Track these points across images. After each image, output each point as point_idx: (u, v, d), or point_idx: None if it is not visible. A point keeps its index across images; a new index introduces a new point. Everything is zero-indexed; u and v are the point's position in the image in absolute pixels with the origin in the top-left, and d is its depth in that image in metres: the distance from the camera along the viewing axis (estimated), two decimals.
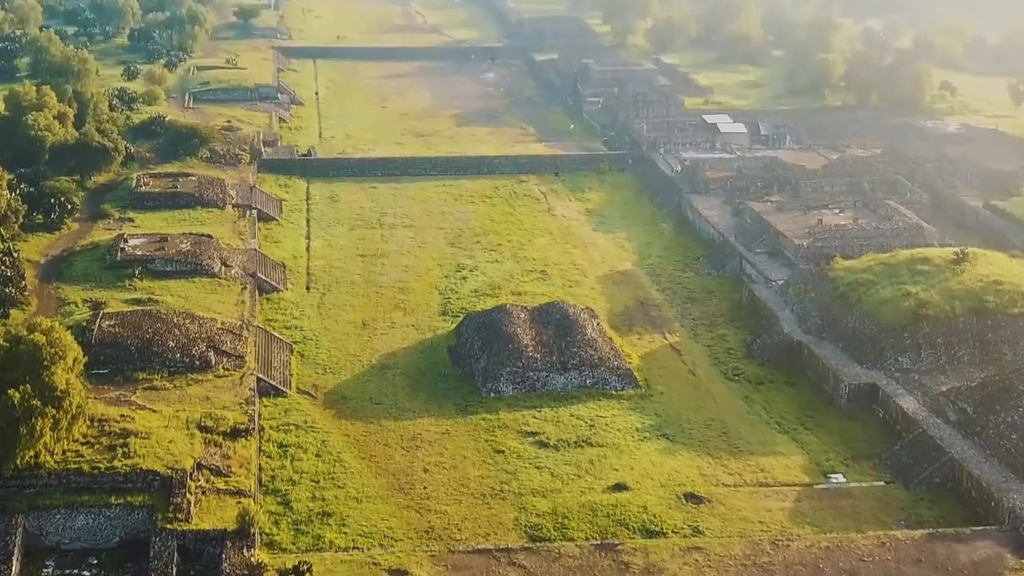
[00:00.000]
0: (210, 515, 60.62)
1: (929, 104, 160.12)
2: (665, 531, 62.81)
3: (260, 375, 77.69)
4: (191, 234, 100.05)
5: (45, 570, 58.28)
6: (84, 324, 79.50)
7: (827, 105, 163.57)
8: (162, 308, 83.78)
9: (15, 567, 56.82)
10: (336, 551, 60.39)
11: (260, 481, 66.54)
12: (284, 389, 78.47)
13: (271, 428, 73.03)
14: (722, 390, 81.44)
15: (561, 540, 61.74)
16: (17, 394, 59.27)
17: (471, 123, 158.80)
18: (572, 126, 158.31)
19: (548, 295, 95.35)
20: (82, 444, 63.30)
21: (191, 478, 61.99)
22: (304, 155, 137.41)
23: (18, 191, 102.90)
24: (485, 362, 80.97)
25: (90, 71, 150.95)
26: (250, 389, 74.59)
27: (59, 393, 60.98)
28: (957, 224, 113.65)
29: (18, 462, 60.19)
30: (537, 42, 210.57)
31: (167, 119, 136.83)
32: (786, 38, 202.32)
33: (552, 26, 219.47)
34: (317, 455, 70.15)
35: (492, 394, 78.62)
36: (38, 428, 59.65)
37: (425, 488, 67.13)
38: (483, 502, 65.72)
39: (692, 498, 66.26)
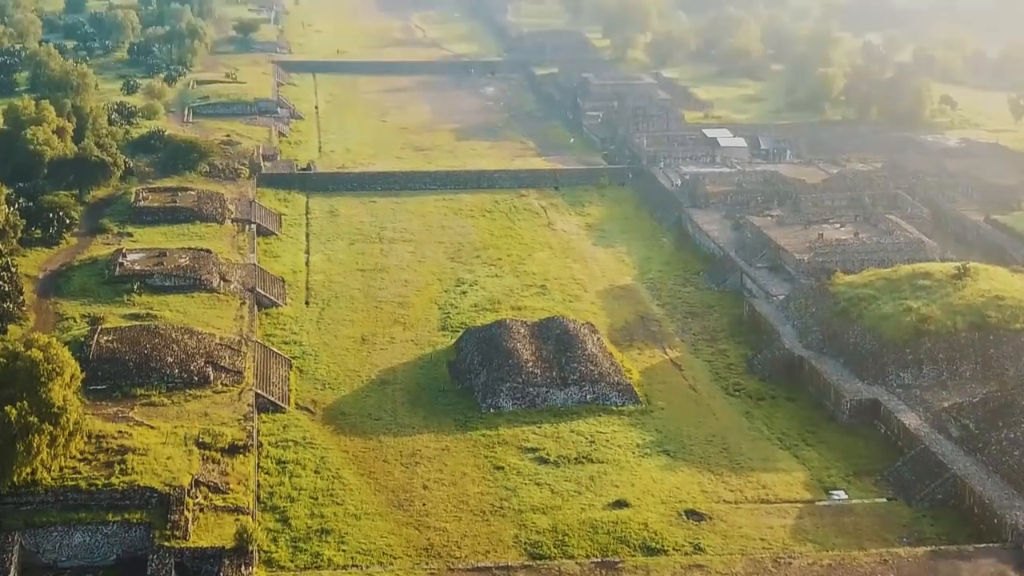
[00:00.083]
0: (208, 532, 60.32)
1: (929, 118, 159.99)
2: (666, 548, 62.45)
3: (259, 391, 77.40)
4: (190, 249, 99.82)
5: None
6: (82, 339, 79.24)
7: (827, 119, 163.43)
8: (160, 323, 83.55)
9: None
10: (335, 569, 60.06)
11: (258, 498, 66.24)
12: (283, 405, 78.17)
13: (270, 444, 72.73)
14: (723, 406, 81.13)
15: (561, 558, 61.38)
16: (14, 410, 59.10)
17: (471, 137, 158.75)
18: (572, 140, 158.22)
19: (548, 310, 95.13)
20: (79, 461, 63.07)
21: (189, 495, 61.73)
22: (304, 169, 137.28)
23: (16, 205, 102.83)
24: (485, 377, 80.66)
25: (89, 85, 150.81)
26: (248, 405, 74.30)
27: (56, 409, 60.79)
28: (958, 239, 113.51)
29: (15, 479, 59.99)
30: (537, 56, 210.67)
31: (166, 133, 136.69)
32: (786, 52, 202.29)
33: (552, 40, 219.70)
34: (316, 471, 69.83)
35: (492, 410, 78.28)
36: (35, 445, 59.45)
37: (424, 505, 66.80)
38: (483, 519, 65.36)
39: (693, 515, 65.95)
